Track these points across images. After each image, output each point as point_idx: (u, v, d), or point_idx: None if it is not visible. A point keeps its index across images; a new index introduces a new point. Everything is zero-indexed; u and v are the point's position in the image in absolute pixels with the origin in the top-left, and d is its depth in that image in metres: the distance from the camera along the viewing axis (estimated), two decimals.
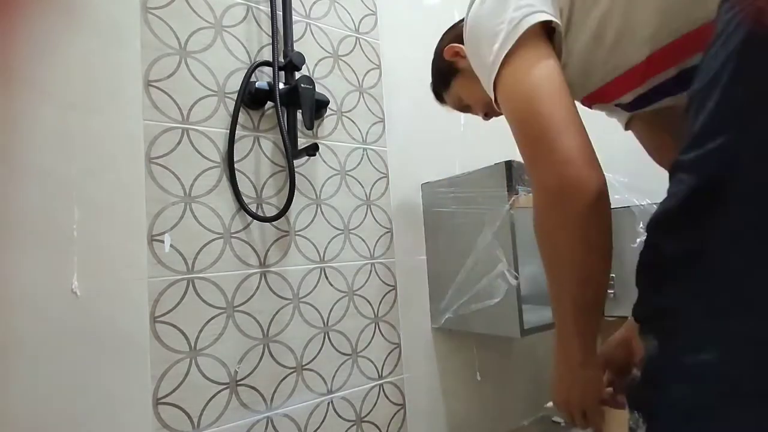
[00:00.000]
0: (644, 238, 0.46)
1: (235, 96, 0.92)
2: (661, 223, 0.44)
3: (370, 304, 1.07)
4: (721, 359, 0.37)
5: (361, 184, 1.09)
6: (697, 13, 0.51)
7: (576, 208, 0.53)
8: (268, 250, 0.93)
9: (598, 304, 0.58)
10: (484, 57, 0.60)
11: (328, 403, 0.98)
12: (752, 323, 0.37)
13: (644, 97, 0.63)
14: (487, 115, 0.86)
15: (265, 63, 0.95)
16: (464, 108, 0.89)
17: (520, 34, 0.56)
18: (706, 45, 0.43)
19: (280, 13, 0.97)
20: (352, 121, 1.10)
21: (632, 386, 0.46)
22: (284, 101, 0.94)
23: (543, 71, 0.56)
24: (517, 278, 0.93)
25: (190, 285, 0.83)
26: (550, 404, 0.70)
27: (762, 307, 0.37)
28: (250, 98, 0.93)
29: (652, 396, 0.42)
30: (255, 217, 0.91)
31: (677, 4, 0.53)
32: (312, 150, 0.90)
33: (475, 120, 1.10)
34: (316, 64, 1.05)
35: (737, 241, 0.38)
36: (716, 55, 0.40)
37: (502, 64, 0.57)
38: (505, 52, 0.57)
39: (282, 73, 0.95)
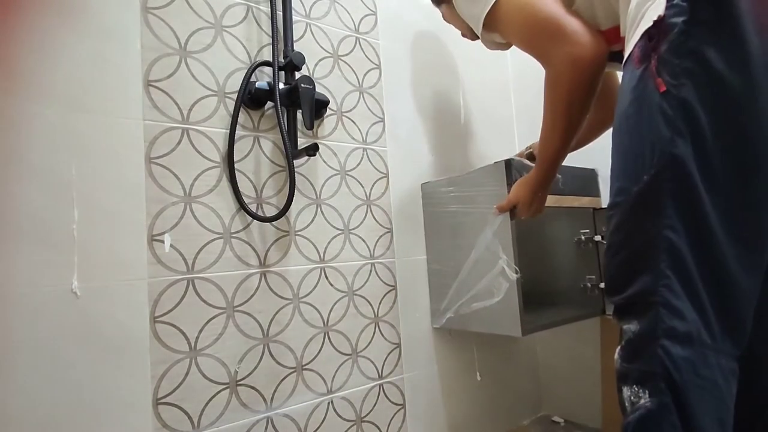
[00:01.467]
0: None
1: (235, 96, 0.92)
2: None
3: (370, 304, 1.07)
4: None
5: (361, 184, 1.09)
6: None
7: (594, 67, 0.73)
8: (268, 250, 0.93)
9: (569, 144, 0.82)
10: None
11: (328, 403, 0.98)
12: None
13: None
14: (464, 36, 1.07)
15: (265, 63, 0.95)
16: (447, 20, 1.08)
17: None
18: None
19: (280, 13, 0.97)
20: (352, 121, 1.10)
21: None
22: (284, 101, 0.94)
23: None
24: (517, 272, 0.93)
25: (190, 285, 0.83)
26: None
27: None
28: (250, 98, 0.93)
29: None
30: (255, 217, 0.91)
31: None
32: (312, 150, 0.90)
33: (475, 119, 1.10)
34: (316, 64, 1.05)
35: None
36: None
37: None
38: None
39: (282, 73, 0.95)
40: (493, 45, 0.97)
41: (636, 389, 0.53)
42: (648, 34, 0.55)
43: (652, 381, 0.51)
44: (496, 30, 0.85)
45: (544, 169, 0.86)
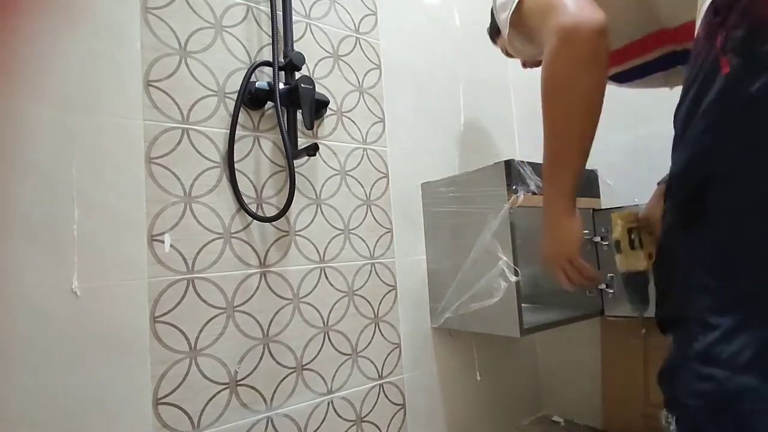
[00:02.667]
0: None
1: (235, 96, 0.92)
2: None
3: (370, 304, 1.07)
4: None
5: (361, 184, 1.09)
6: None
7: (586, 36, 0.60)
8: (268, 250, 0.93)
9: (586, 151, 0.67)
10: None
11: (328, 403, 0.98)
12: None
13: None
14: (525, 65, 1.04)
15: (265, 63, 0.95)
16: (507, 54, 1.02)
17: None
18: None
19: (280, 13, 0.97)
20: (352, 121, 1.10)
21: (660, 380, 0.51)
22: (284, 101, 0.94)
23: None
24: (517, 274, 0.93)
25: (190, 285, 0.83)
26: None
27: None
28: (250, 98, 0.93)
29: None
30: (255, 217, 0.91)
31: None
32: (312, 150, 0.90)
33: (475, 119, 1.10)
34: (316, 64, 1.05)
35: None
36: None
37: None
38: None
39: (282, 73, 0.95)
40: (520, 53, 0.94)
41: (666, 413, 0.48)
42: (714, 7, 0.46)
43: (678, 410, 0.46)
44: (522, 31, 0.76)
45: (548, 185, 0.71)
